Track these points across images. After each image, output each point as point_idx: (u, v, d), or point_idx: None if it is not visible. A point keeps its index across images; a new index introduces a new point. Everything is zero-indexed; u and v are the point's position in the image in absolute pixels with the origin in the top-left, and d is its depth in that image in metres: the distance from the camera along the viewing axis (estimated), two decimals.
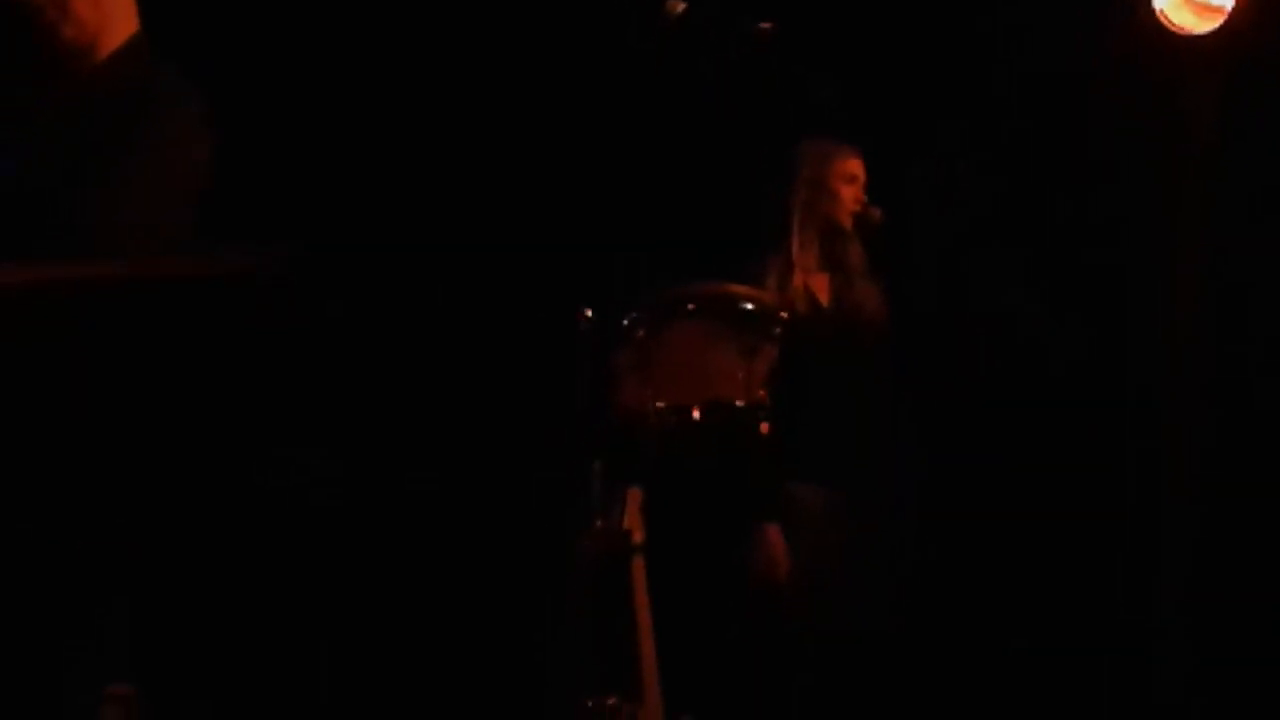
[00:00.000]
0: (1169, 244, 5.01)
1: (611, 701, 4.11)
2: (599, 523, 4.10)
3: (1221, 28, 4.72)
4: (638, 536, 4.19)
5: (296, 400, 3.97)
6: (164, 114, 3.06)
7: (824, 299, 4.65)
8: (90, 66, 3.11)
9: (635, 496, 4.21)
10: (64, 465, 2.75)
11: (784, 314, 4.28)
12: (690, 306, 4.13)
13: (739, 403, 4.09)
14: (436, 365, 4.58)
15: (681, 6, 4.17)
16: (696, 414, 4.08)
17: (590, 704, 4.14)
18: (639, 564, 4.23)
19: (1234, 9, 4.70)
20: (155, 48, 3.15)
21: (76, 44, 3.11)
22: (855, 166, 4.66)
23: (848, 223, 4.63)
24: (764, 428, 4.11)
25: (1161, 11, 4.78)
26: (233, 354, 2.88)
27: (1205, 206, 4.96)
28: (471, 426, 4.61)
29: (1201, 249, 4.96)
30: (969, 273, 4.65)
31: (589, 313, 4.07)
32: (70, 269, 2.66)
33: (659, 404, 4.10)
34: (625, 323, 4.15)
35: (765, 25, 4.24)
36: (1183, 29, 4.79)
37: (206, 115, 3.08)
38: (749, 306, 4.17)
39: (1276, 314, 4.80)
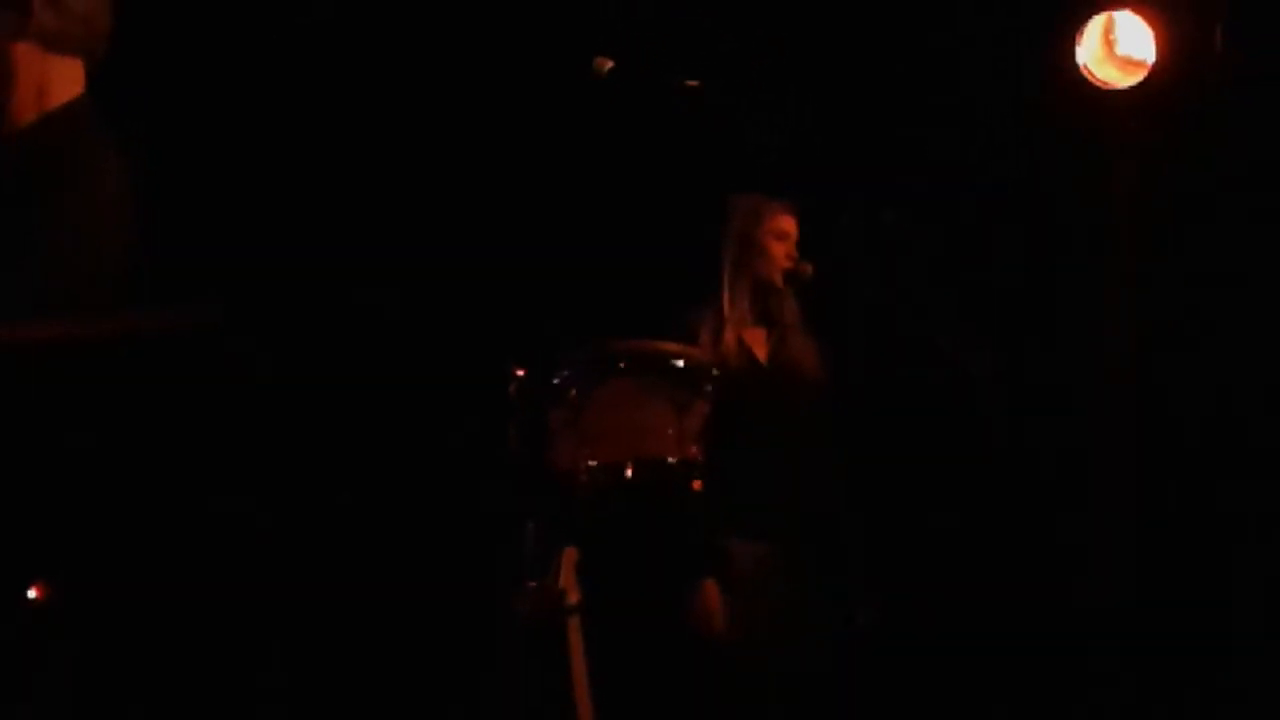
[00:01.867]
0: (1097, 285, 5.06)
1: None
2: (533, 583, 4.09)
3: (1143, 82, 4.79)
4: (573, 596, 4.18)
5: (229, 453, 3.94)
6: (92, 175, 3.03)
7: (760, 354, 4.65)
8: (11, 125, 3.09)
9: (570, 556, 4.20)
10: None
11: (716, 370, 4.29)
12: (621, 364, 4.13)
13: (671, 460, 4.09)
14: (368, 425, 4.55)
15: (609, 65, 4.19)
16: (629, 472, 4.08)
17: None
18: (574, 624, 4.21)
19: (1154, 64, 4.77)
20: (92, 107, 3.13)
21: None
22: (787, 223, 4.67)
23: (779, 280, 4.64)
24: (696, 484, 4.11)
25: (1085, 67, 4.85)
26: (158, 410, 2.86)
27: (1131, 255, 5.01)
28: (404, 486, 4.59)
29: (1128, 291, 5.01)
30: (901, 321, 4.67)
31: (520, 371, 4.07)
32: None
33: (591, 462, 4.10)
34: (557, 380, 4.15)
35: (692, 83, 4.27)
36: (1106, 84, 4.85)
37: (133, 172, 3.06)
38: (680, 363, 4.18)
39: (1202, 353, 4.86)
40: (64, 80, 3.12)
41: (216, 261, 4.07)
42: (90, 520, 2.84)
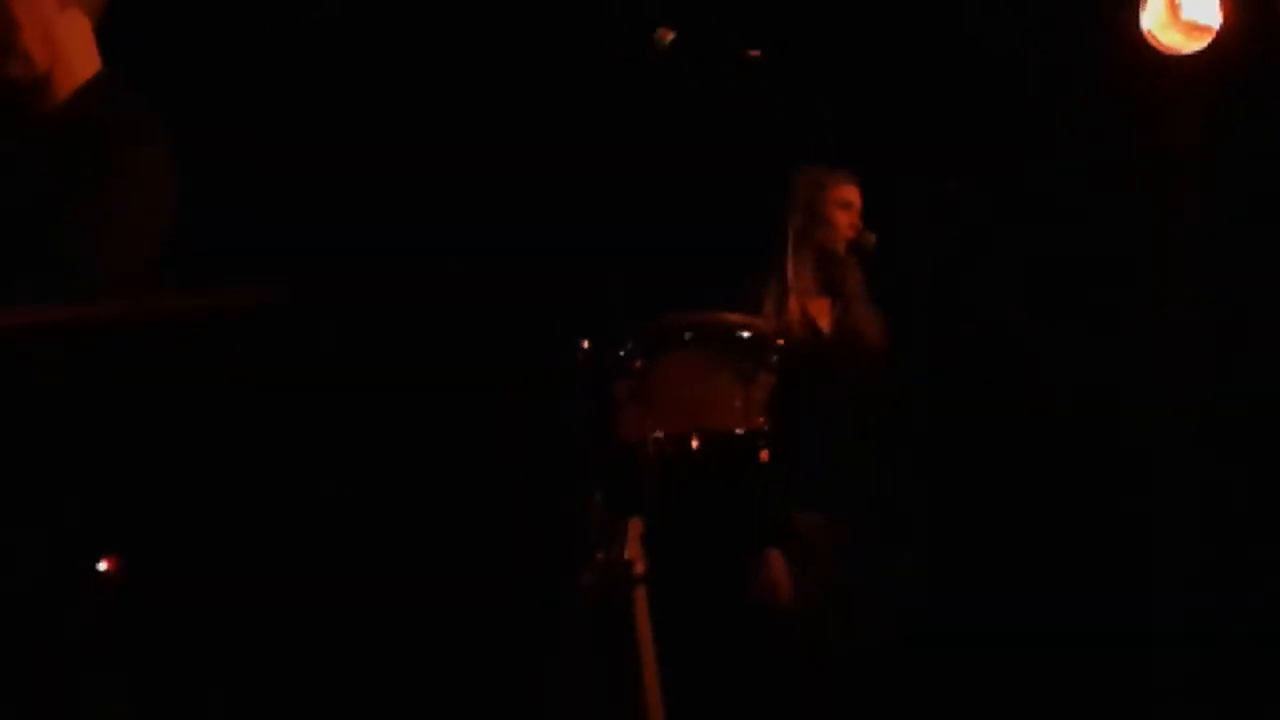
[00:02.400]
0: (1160, 257, 5.02)
1: None
2: (600, 555, 4.09)
3: (1208, 48, 4.75)
4: (639, 568, 4.18)
5: (298, 429, 3.96)
6: (130, 151, 3.04)
7: (824, 324, 4.65)
8: (46, 103, 3.07)
9: (636, 527, 4.21)
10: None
11: (780, 340, 4.28)
12: (687, 335, 4.13)
13: (738, 431, 4.09)
14: (435, 399, 4.56)
15: (670, 36, 4.18)
16: (695, 443, 4.08)
17: None
18: (641, 595, 4.22)
19: (1221, 29, 4.72)
20: (119, 83, 3.14)
21: (25, 80, 3.09)
22: (850, 193, 4.67)
23: (843, 250, 4.64)
24: (763, 455, 4.11)
25: (1149, 32, 4.81)
26: (229, 388, 2.88)
27: (1194, 222, 4.97)
28: (471, 460, 4.60)
29: (1191, 262, 4.98)
30: (964, 291, 4.65)
31: (586, 344, 4.07)
32: (64, 311, 2.66)
33: (658, 434, 4.10)
34: (623, 353, 4.15)
35: (754, 53, 4.25)
36: (1170, 49, 4.81)
37: (171, 151, 3.07)
38: (746, 334, 4.17)
39: (1267, 321, 4.82)
40: (71, 33, 3.14)
41: (263, 242, 4.07)
42: (158, 496, 2.86)
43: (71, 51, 3.11)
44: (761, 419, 4.13)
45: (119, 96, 3.13)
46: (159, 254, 2.94)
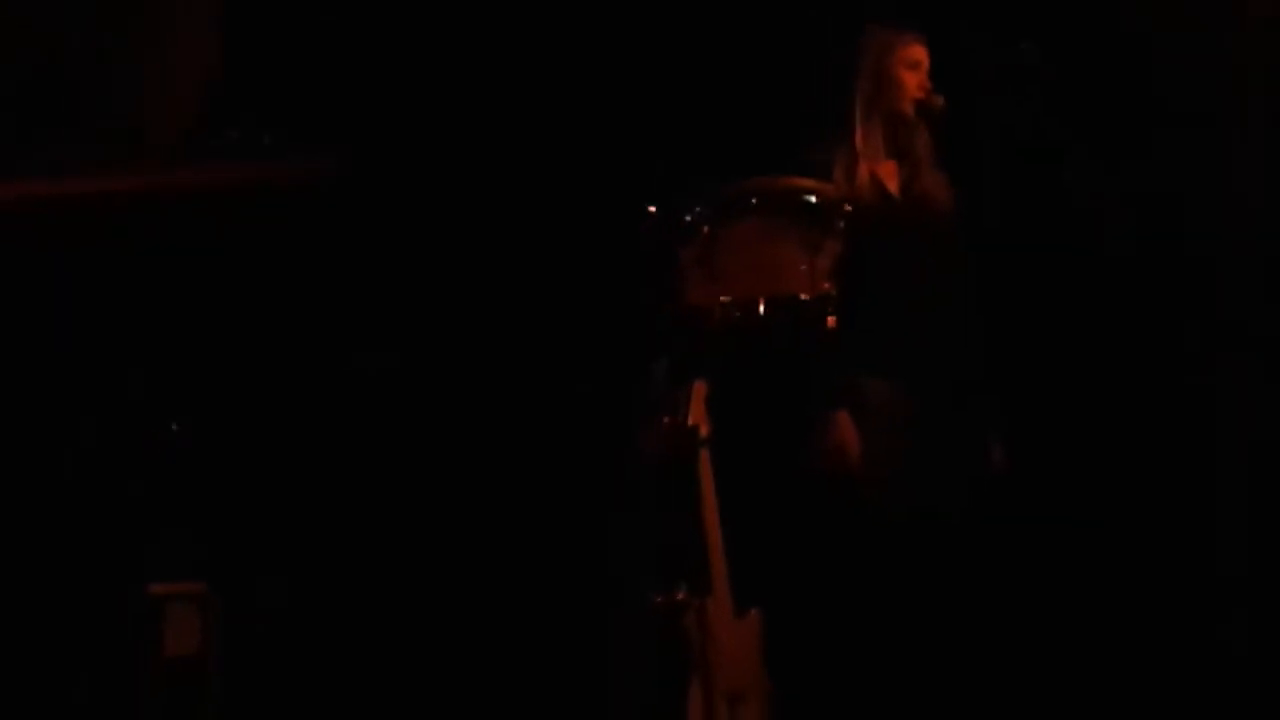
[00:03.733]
0: (1232, 133, 4.93)
1: (681, 595, 4.14)
2: (665, 418, 4.11)
3: None
4: (704, 430, 4.20)
5: (360, 302, 3.97)
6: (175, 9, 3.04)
7: (892, 187, 4.60)
8: None
9: (700, 390, 4.22)
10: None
11: (848, 206, 4.24)
12: (754, 200, 4.11)
13: (804, 296, 4.08)
14: (501, 264, 4.57)
15: None
16: (762, 308, 4.08)
17: (660, 598, 4.17)
18: (705, 457, 4.24)
19: None
20: None
21: None
22: (919, 53, 4.59)
23: (911, 110, 4.58)
24: (830, 321, 4.10)
25: None
26: (292, 261, 2.89)
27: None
28: (538, 323, 4.61)
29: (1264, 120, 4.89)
30: (1036, 158, 4.60)
31: (653, 209, 4.07)
32: (118, 178, 2.67)
33: (724, 299, 4.10)
34: (689, 218, 4.14)
35: None
36: None
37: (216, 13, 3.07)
38: (812, 199, 4.15)
39: None
40: None
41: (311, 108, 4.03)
42: (222, 367, 2.89)
43: None
44: (827, 284, 4.12)
45: None
46: (200, 110, 2.96)
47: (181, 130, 2.99)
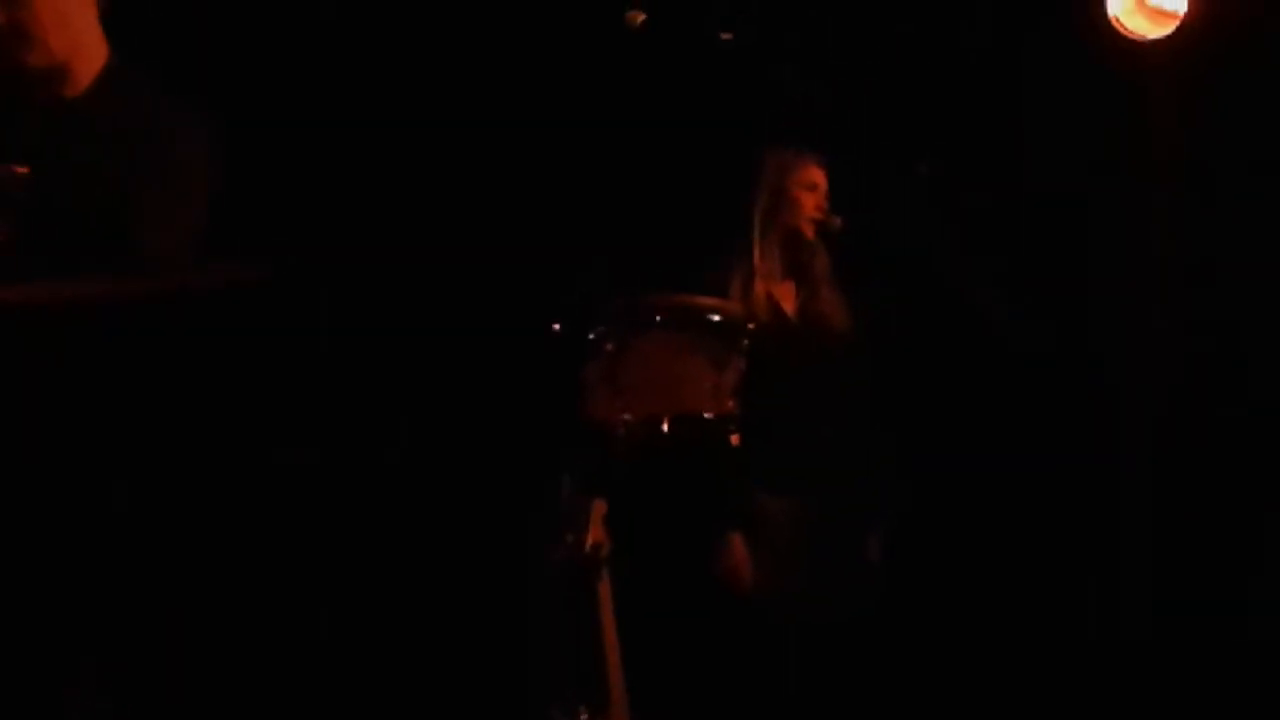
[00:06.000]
0: (1133, 240, 5.04)
1: (584, 716, 4.09)
2: (569, 535, 4.08)
3: (1176, 32, 4.77)
4: (605, 548, 4.17)
5: (284, 402, 3.93)
6: (185, 143, 3.09)
7: (789, 308, 4.64)
8: (65, 89, 3.16)
9: (600, 508, 4.19)
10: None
11: (751, 324, 4.27)
12: (658, 318, 4.10)
13: (708, 414, 4.07)
14: (405, 379, 4.54)
15: (641, 17, 4.16)
16: (666, 426, 4.06)
17: (558, 716, 4.12)
18: (605, 577, 4.21)
19: (1186, 15, 4.74)
20: (146, 73, 3.17)
21: (44, 68, 3.12)
22: (816, 175, 4.66)
23: (809, 231, 4.63)
24: (734, 439, 4.10)
25: (1115, 18, 4.82)
26: (222, 361, 2.87)
27: (1169, 205, 5.00)
28: (441, 440, 4.57)
29: (1165, 245, 5.00)
30: (935, 275, 4.66)
31: (557, 326, 4.05)
32: (79, 288, 2.65)
33: (627, 416, 4.08)
34: (593, 334, 4.12)
35: (726, 35, 4.24)
36: (1137, 35, 4.83)
37: (215, 138, 3.11)
38: (717, 318, 4.15)
39: (1239, 307, 4.85)
40: (85, 22, 3.17)
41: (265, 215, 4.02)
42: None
43: (88, 40, 3.19)
44: (731, 403, 4.11)
45: (154, 87, 3.19)
46: (202, 236, 2.98)
47: None
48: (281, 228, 3.89)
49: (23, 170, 2.96)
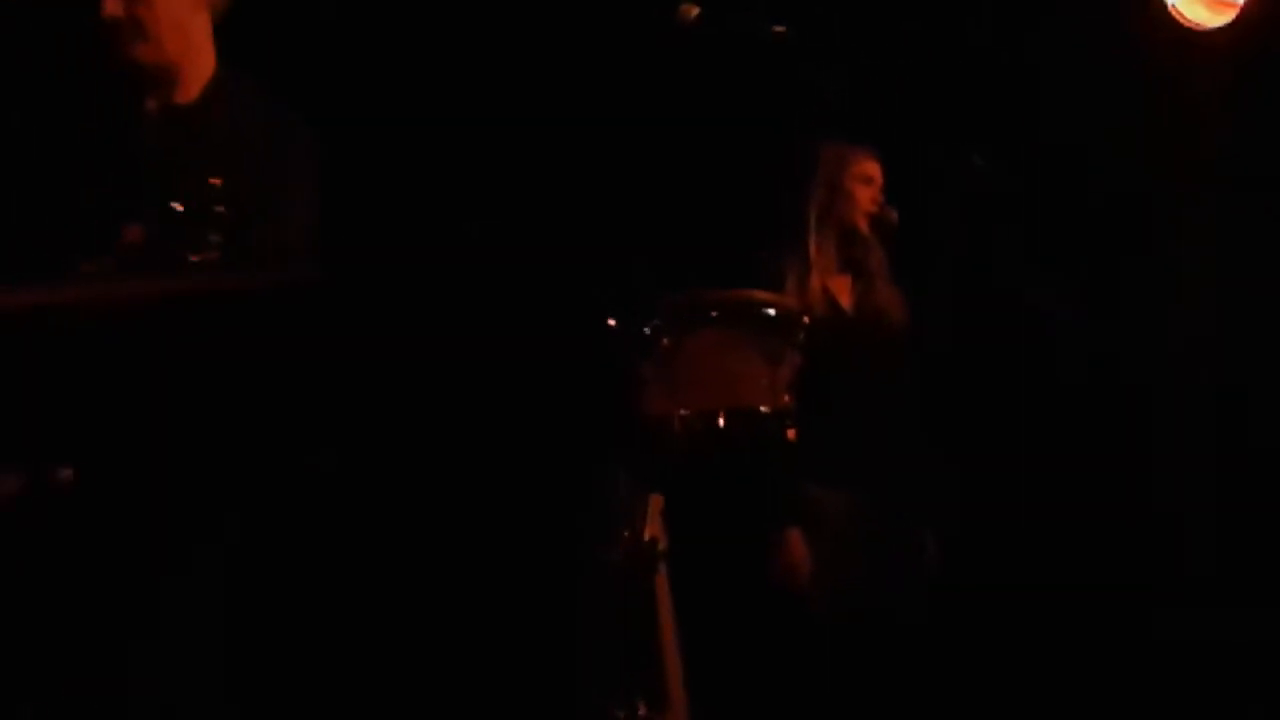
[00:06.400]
0: (1179, 235, 5.01)
1: (642, 712, 4.09)
2: (625, 532, 4.08)
3: (1234, 22, 4.73)
4: (662, 544, 4.17)
5: (315, 404, 3.94)
6: (298, 154, 3.17)
7: (845, 302, 4.63)
8: (172, 94, 3.23)
9: (657, 503, 4.19)
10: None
11: (806, 318, 4.26)
12: (713, 313, 4.09)
13: (764, 409, 4.06)
14: (460, 375, 4.55)
15: (695, 11, 4.15)
16: (722, 421, 4.05)
17: (617, 713, 4.12)
18: (662, 573, 4.21)
19: (1246, 3, 4.70)
20: (258, 85, 3.21)
21: (154, 66, 3.19)
22: (872, 169, 4.64)
23: (864, 225, 4.62)
24: (790, 434, 4.09)
25: (1174, 7, 4.78)
26: (261, 365, 2.88)
27: (1214, 201, 4.96)
28: (496, 437, 4.58)
29: (1210, 242, 4.96)
30: (988, 270, 4.64)
31: (612, 321, 4.05)
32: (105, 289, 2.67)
33: (683, 411, 4.07)
34: (648, 330, 4.12)
35: (779, 29, 4.22)
36: (1195, 24, 4.79)
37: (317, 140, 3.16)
38: (772, 312, 4.14)
39: None
40: (201, 30, 3.22)
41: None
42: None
43: (199, 44, 3.25)
44: (787, 397, 4.10)
45: (263, 94, 3.28)
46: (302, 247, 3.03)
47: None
48: (336, 225, 3.90)
49: (216, 181, 3.00)
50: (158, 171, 3.11)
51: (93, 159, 3.19)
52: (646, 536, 4.12)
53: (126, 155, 3.18)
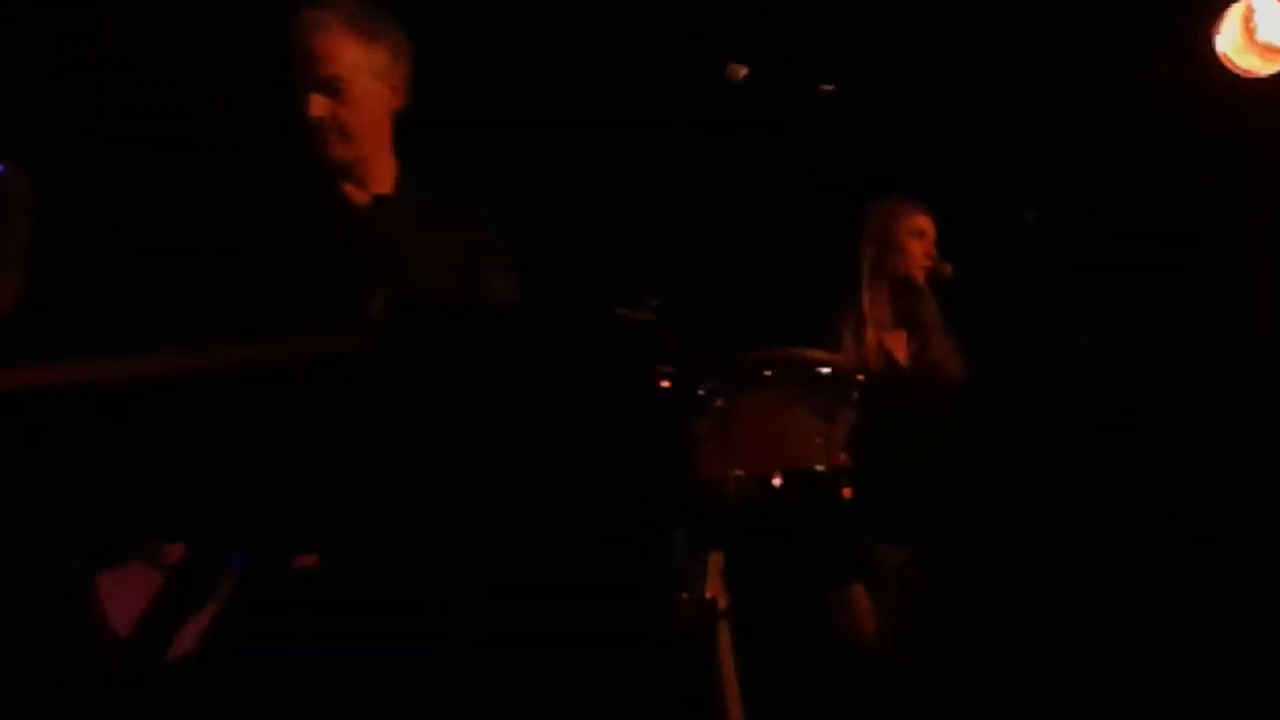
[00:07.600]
0: (1236, 282, 4.98)
1: None
2: (684, 594, 4.08)
3: None
4: (722, 603, 4.17)
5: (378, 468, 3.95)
6: (473, 228, 3.34)
7: (900, 356, 4.63)
8: (369, 188, 3.44)
9: (716, 562, 4.19)
10: None
11: (860, 376, 4.26)
12: (767, 372, 4.10)
13: (820, 468, 4.06)
14: (511, 440, 4.56)
15: (744, 71, 4.17)
16: (778, 481, 4.05)
17: None
18: (725, 631, 4.20)
19: None
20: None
21: (346, 162, 3.39)
22: (924, 223, 4.65)
23: (919, 278, 4.62)
24: (846, 492, 4.08)
25: (1225, 55, 4.77)
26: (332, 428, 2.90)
27: (1271, 249, 4.93)
28: (551, 499, 4.59)
29: (1268, 291, 4.93)
30: (1043, 321, 4.62)
31: (666, 382, 4.05)
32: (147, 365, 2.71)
33: (739, 471, 4.08)
34: (702, 391, 4.13)
35: (827, 87, 4.23)
36: (1247, 72, 4.77)
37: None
38: (826, 371, 4.14)
39: None
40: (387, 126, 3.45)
41: None
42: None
43: (386, 143, 3.43)
44: (843, 455, 4.10)
45: (438, 185, 3.52)
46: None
47: None
48: None
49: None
50: (385, 252, 3.31)
51: (327, 242, 3.35)
52: (707, 595, 4.12)
53: (352, 239, 3.36)
